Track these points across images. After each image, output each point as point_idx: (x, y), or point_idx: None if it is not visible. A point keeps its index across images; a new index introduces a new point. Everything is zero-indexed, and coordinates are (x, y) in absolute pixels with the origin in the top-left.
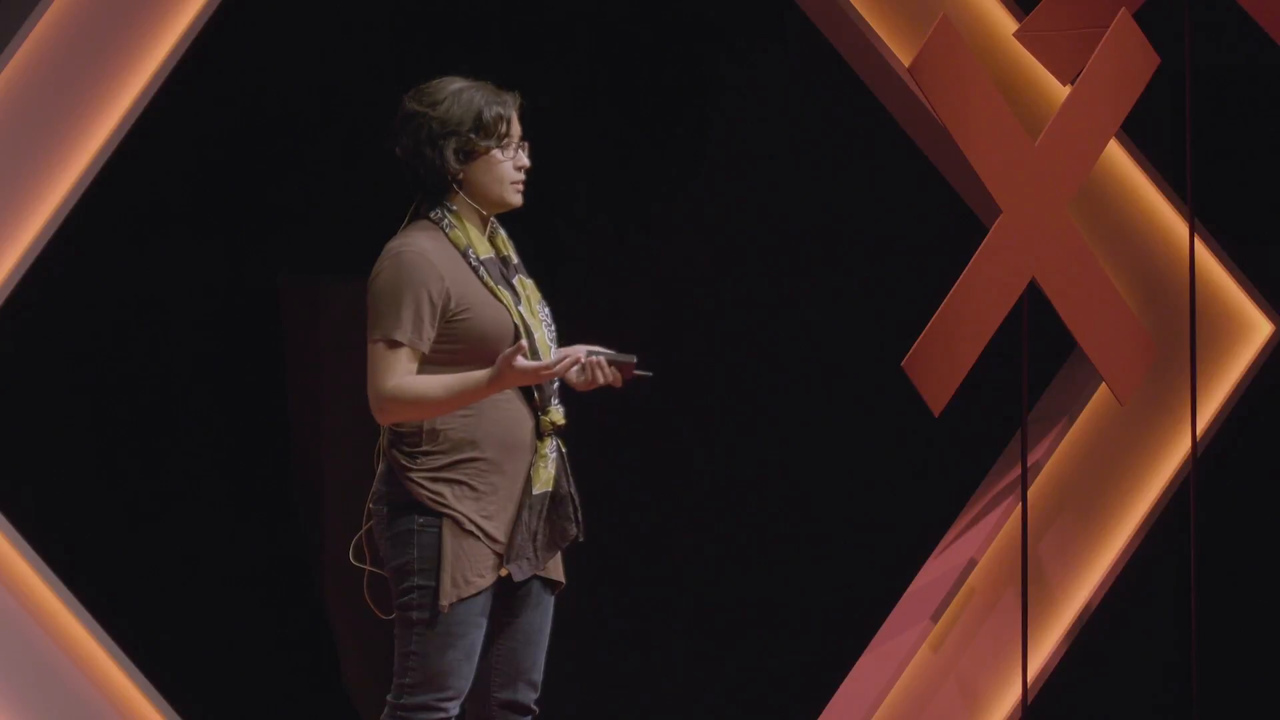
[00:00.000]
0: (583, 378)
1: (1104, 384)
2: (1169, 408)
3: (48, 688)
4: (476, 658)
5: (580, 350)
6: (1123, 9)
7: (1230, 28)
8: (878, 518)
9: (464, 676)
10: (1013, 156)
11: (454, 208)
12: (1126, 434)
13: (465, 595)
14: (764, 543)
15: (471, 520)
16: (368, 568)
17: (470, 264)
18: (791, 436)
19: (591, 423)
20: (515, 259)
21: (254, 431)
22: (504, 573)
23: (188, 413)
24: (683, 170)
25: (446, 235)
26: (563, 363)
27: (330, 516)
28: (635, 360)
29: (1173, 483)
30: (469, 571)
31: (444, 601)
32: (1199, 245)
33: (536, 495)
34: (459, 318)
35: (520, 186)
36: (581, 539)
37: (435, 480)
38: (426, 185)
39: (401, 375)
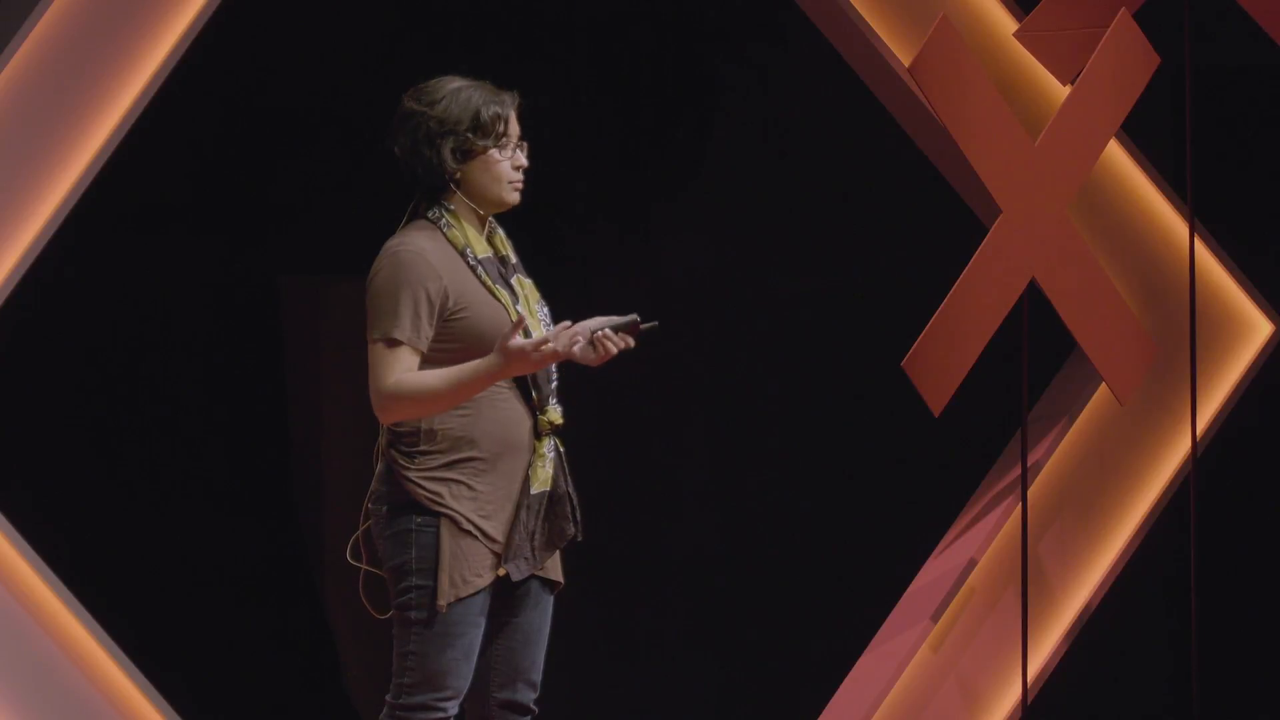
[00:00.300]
0: (594, 354)
1: (1104, 384)
2: (1169, 408)
3: (48, 688)
4: (475, 657)
5: (583, 328)
6: (1123, 9)
7: (1230, 28)
8: (878, 518)
9: (463, 676)
10: (1013, 156)
11: (451, 207)
12: (1126, 434)
13: (463, 595)
14: (764, 543)
15: (469, 520)
16: (365, 566)
17: (468, 263)
18: (791, 436)
19: (590, 422)
20: (514, 258)
21: (254, 431)
22: (502, 572)
23: (187, 412)
24: (683, 170)
25: (444, 235)
26: (561, 336)
27: (330, 516)
28: (637, 318)
29: (1173, 483)
30: (467, 571)
31: (442, 601)
32: (1199, 245)
33: (534, 495)
34: (457, 317)
35: (518, 186)
36: (580, 539)
37: (433, 480)
38: (425, 184)
39: (401, 373)
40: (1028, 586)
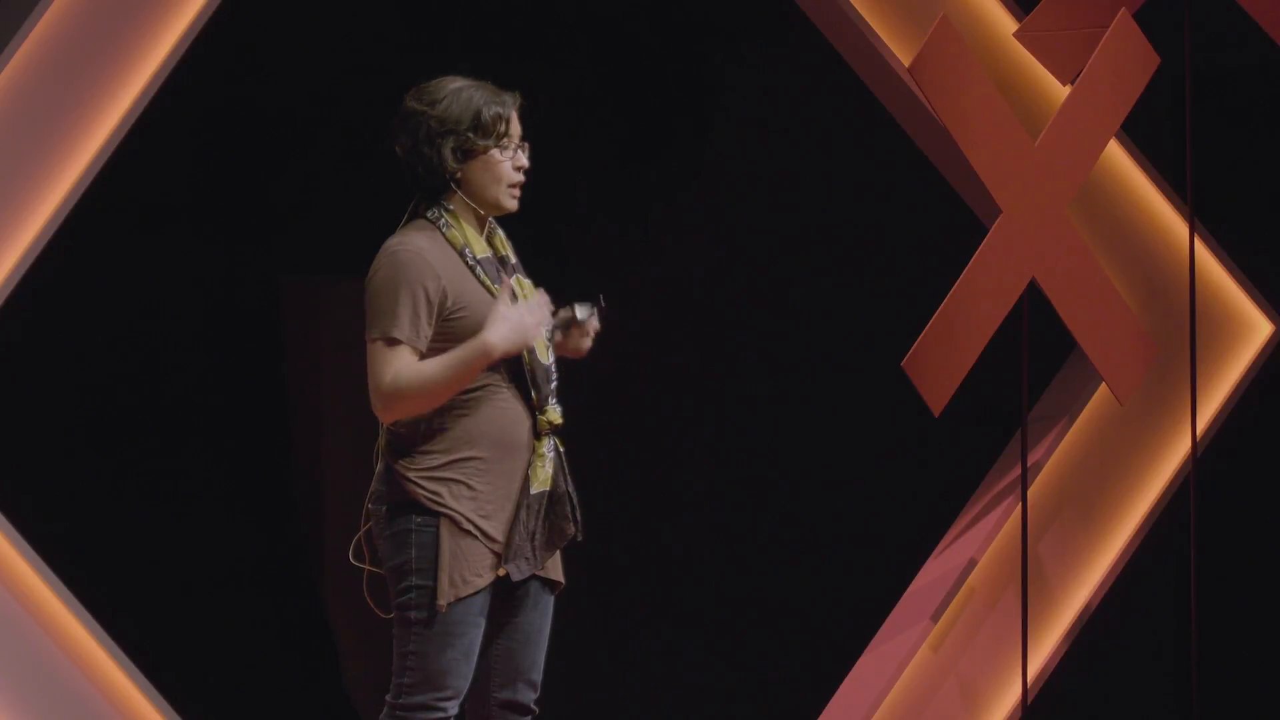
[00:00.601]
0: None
1: (1104, 384)
2: (1169, 408)
3: (48, 688)
4: (475, 657)
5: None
6: (1123, 9)
7: (1230, 28)
8: (878, 518)
9: (463, 676)
10: (1013, 156)
11: (451, 207)
12: (1126, 434)
13: (463, 595)
14: (764, 543)
15: (469, 519)
16: (367, 567)
17: (467, 263)
18: (791, 436)
19: (590, 422)
20: (513, 259)
21: (254, 431)
22: (502, 572)
23: (187, 412)
24: (683, 170)
25: (443, 235)
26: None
27: (330, 516)
28: (592, 307)
29: (1173, 483)
30: (467, 571)
31: (442, 601)
32: (1199, 245)
33: (534, 495)
34: (455, 316)
35: (517, 191)
36: (580, 538)
37: (433, 479)
38: (425, 184)
39: (400, 370)
40: (1028, 586)
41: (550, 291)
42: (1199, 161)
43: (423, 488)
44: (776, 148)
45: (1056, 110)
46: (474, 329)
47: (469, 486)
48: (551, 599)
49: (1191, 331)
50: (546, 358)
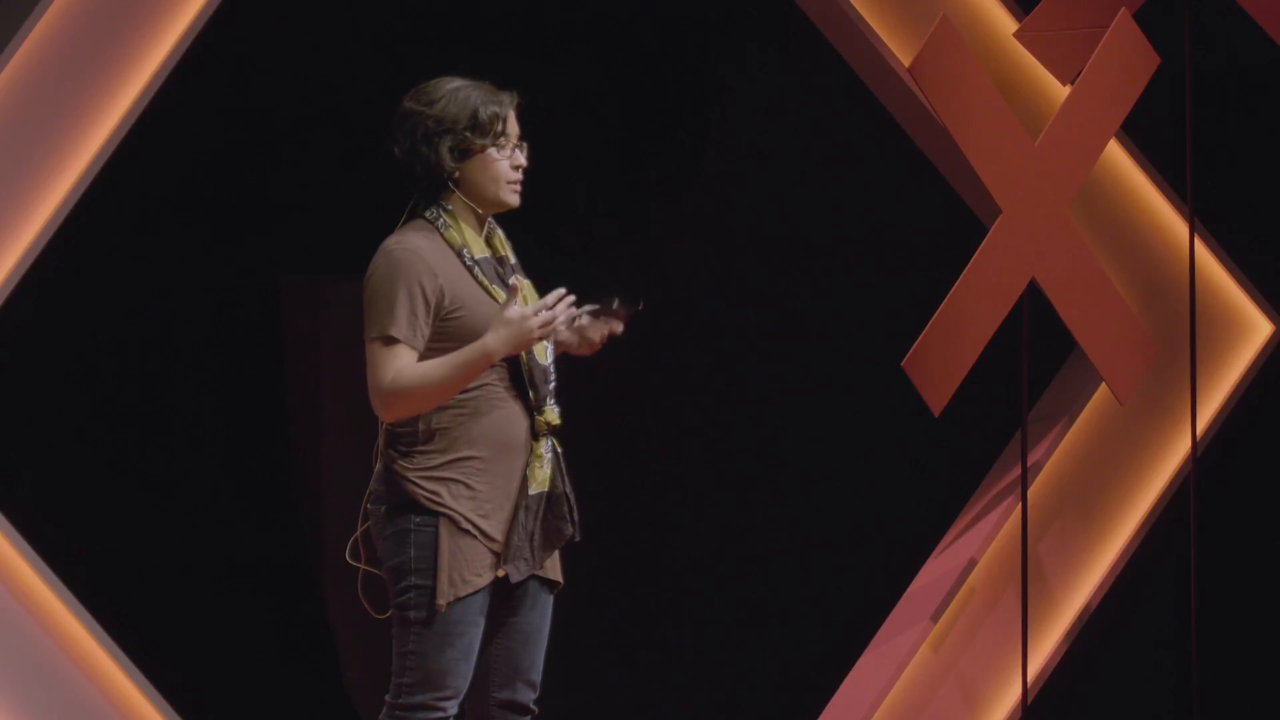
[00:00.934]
0: (575, 340)
1: (1104, 384)
2: (1169, 408)
3: (48, 688)
4: (475, 657)
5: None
6: (1123, 9)
7: (1230, 28)
8: (878, 518)
9: (462, 676)
10: (1013, 156)
11: (449, 207)
12: (1126, 434)
13: (462, 594)
14: (764, 542)
15: (468, 519)
16: (363, 566)
17: (465, 263)
18: (791, 436)
19: (588, 423)
20: (513, 259)
21: (254, 431)
22: (501, 573)
23: (187, 412)
24: (683, 170)
25: (441, 235)
26: (559, 305)
27: (330, 516)
28: (617, 302)
29: (1173, 483)
30: (466, 571)
31: (441, 601)
32: (1199, 245)
33: (532, 495)
34: (453, 316)
35: (517, 187)
36: (577, 539)
37: (431, 479)
38: (424, 184)
39: (399, 369)
40: (1028, 586)
41: (550, 292)
42: (1199, 161)
43: (422, 487)
44: (776, 148)
45: (1056, 110)
46: (471, 329)
47: (468, 486)
48: (550, 599)
49: (1191, 331)
50: (545, 358)
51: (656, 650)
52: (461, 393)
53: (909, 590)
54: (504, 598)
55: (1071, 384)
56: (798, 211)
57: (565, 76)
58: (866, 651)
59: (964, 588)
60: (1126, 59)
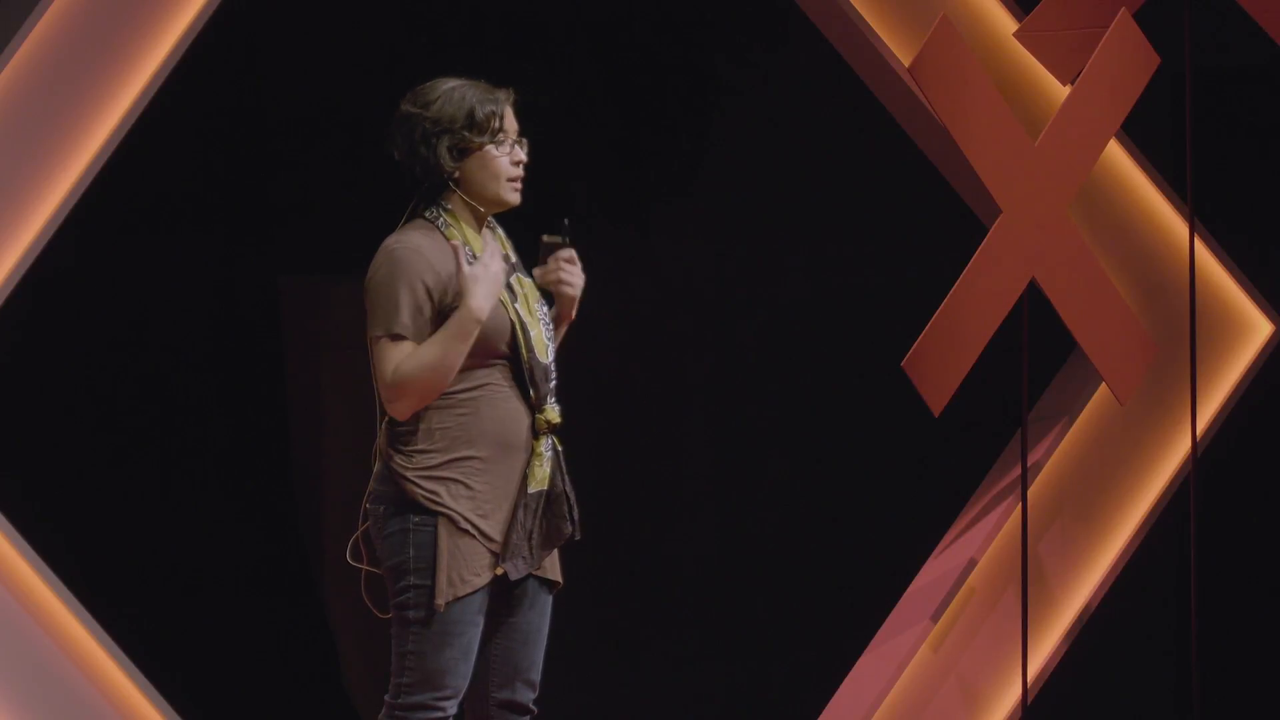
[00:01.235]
0: (556, 289)
1: (1104, 384)
2: (1169, 408)
3: (48, 688)
4: (474, 657)
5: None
6: (1123, 9)
7: (1230, 28)
8: (878, 518)
9: (461, 675)
10: (1013, 156)
11: (450, 207)
12: (1126, 434)
13: (461, 594)
14: (763, 542)
15: (467, 519)
16: (365, 567)
17: (465, 261)
18: (791, 436)
19: (588, 422)
20: (514, 258)
21: (254, 431)
22: (500, 571)
23: (187, 412)
24: (683, 170)
25: (442, 234)
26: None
27: (330, 516)
28: (545, 237)
29: (1173, 483)
30: (465, 570)
31: (440, 600)
32: (1199, 245)
33: (532, 494)
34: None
35: (518, 185)
36: (577, 538)
37: (431, 479)
38: (424, 185)
39: (400, 362)
40: (1028, 586)
41: (547, 291)
42: (1199, 161)
43: (421, 487)
44: (776, 148)
45: (1056, 110)
46: None
47: (467, 486)
48: (550, 598)
49: (1191, 331)
50: (546, 357)
51: (656, 650)
52: (462, 392)
53: (909, 590)
54: (503, 597)
55: (1071, 384)
56: (798, 211)
57: (565, 76)
58: (866, 651)
59: (964, 588)
60: (1126, 59)
